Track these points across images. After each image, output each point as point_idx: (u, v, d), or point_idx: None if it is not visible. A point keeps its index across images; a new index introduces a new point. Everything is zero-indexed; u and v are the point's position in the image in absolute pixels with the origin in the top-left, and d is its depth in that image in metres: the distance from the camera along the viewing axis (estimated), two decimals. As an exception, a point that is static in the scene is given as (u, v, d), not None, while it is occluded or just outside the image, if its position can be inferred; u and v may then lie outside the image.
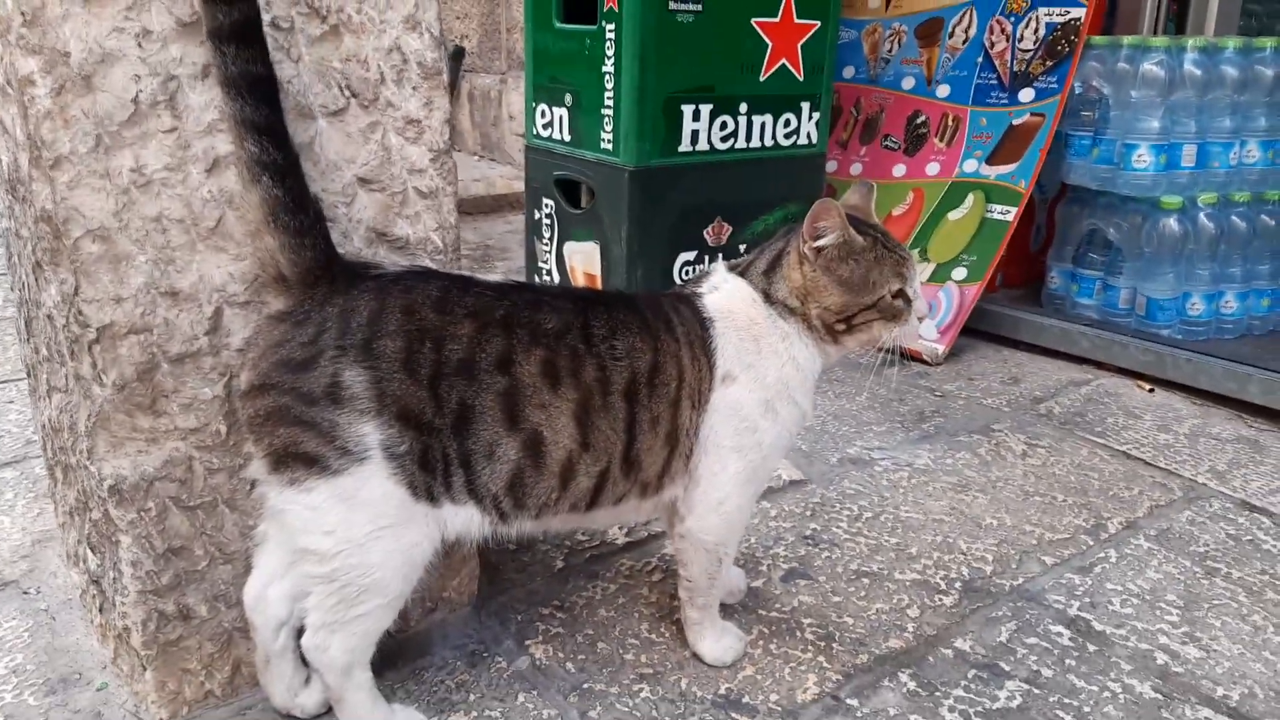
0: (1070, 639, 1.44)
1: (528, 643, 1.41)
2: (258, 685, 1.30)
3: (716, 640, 1.39)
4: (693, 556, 1.33)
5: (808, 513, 1.77)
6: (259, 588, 1.21)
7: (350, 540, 1.09)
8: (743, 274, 1.31)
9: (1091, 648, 1.42)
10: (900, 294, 1.26)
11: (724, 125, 2.44)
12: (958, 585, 1.56)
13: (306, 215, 1.09)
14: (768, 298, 1.28)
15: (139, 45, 1.06)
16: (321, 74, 1.19)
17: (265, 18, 1.12)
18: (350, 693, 1.18)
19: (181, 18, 1.08)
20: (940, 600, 1.52)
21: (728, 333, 1.26)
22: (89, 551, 1.35)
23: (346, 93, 1.21)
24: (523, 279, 2.90)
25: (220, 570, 1.26)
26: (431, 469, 1.10)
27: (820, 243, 1.23)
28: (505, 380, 1.11)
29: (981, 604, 1.52)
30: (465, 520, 1.15)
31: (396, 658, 1.35)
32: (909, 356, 2.55)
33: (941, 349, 2.51)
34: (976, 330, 2.66)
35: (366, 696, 1.19)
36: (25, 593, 1.52)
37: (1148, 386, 2.35)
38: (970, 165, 2.67)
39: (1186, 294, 2.44)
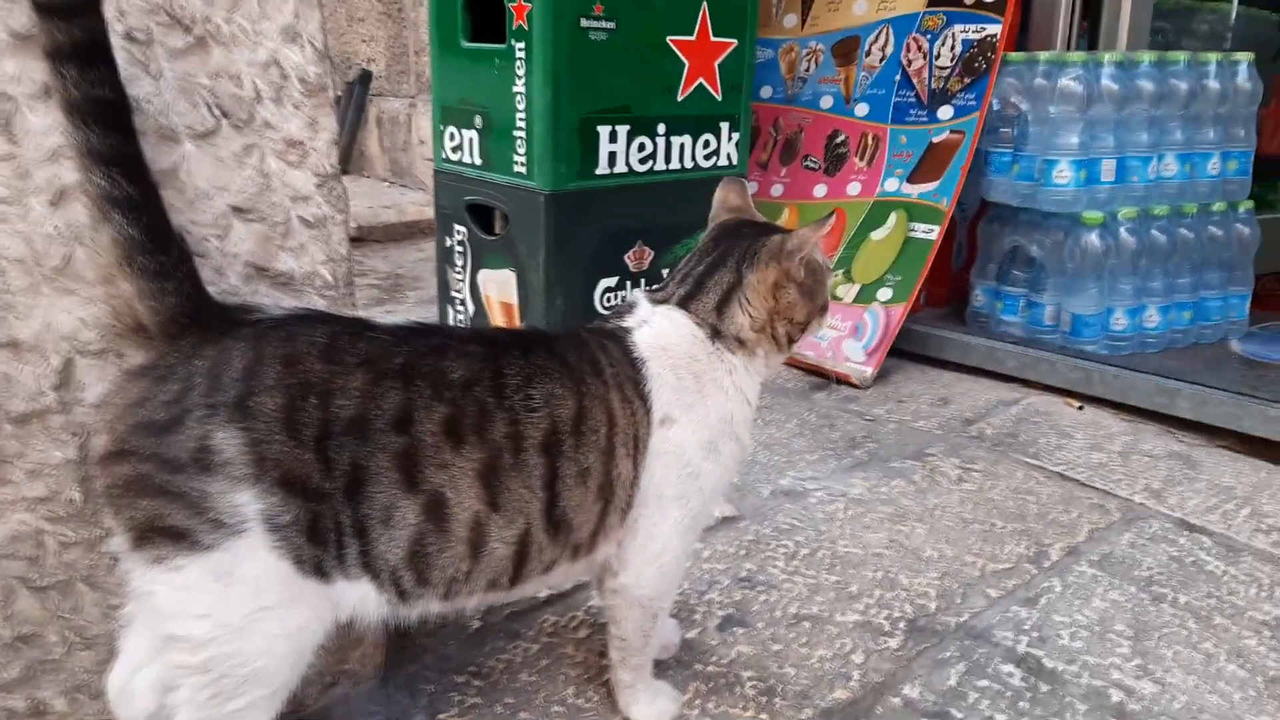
0: (1022, 679, 1.36)
1: (441, 716, 1.27)
2: (129, 786, 1.15)
3: (650, 703, 1.27)
4: (626, 613, 1.21)
5: (742, 552, 1.67)
6: (124, 677, 1.06)
7: (227, 625, 0.95)
8: (681, 306, 1.20)
9: (1044, 687, 1.34)
10: None
11: (642, 147, 2.35)
12: (902, 625, 1.48)
13: (168, 255, 0.95)
14: (716, 333, 1.18)
15: (-40, 58, 0.92)
16: (187, 92, 1.06)
17: (118, 29, 0.99)
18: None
19: (17, 29, 0.94)
20: (885, 643, 1.44)
21: (663, 372, 1.15)
22: (-73, 640, 1.18)
23: (216, 112, 1.08)
24: (435, 309, 2.77)
25: (80, 657, 1.10)
26: (322, 540, 0.96)
27: (816, 263, 1.19)
28: (403, 439, 0.98)
29: (928, 644, 1.43)
30: (360, 598, 1.01)
31: (292, 743, 1.20)
32: (837, 380, 2.48)
33: (870, 371, 2.44)
34: (902, 351, 2.61)
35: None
36: None
37: (1077, 404, 2.32)
38: (892, 184, 2.63)
39: (1110, 309, 2.43)
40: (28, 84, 0.96)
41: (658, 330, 1.18)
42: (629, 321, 1.20)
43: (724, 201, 1.33)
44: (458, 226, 2.54)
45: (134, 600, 1.01)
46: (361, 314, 1.14)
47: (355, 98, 5.04)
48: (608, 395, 1.11)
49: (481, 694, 1.31)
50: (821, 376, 2.52)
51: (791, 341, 1.24)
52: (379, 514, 0.98)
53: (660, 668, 1.36)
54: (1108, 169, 2.38)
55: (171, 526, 0.91)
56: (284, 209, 1.14)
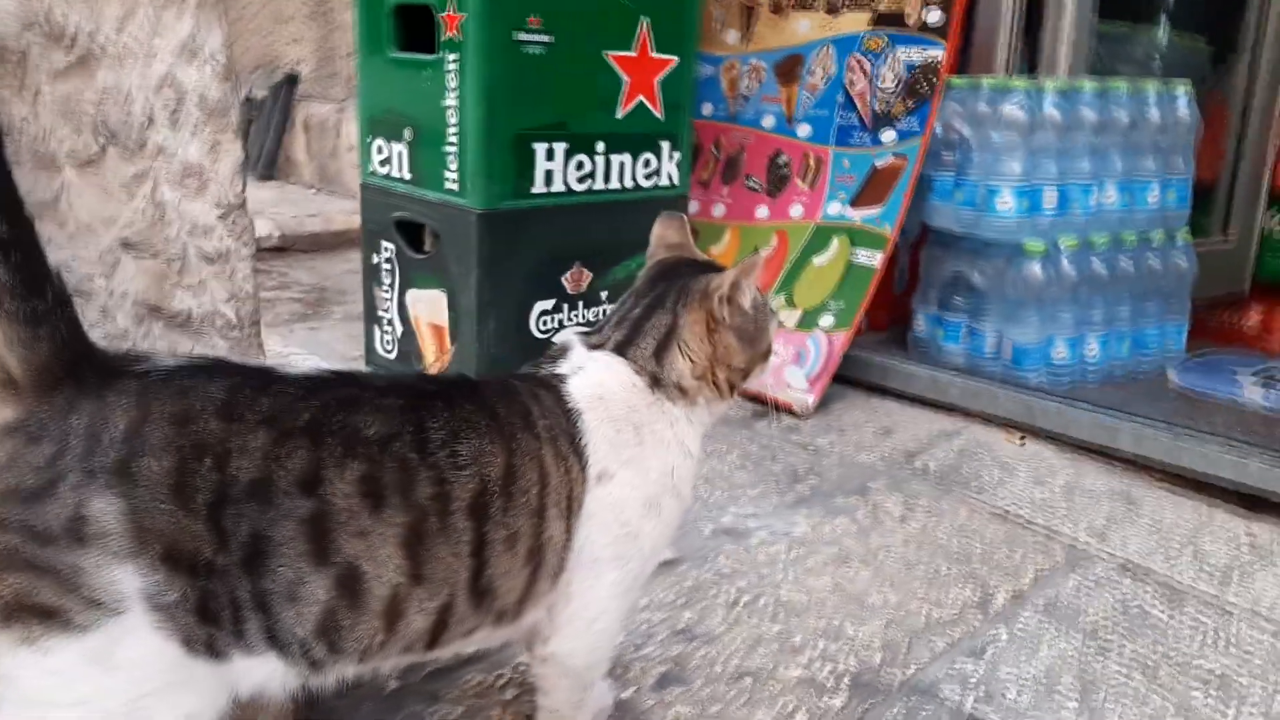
0: (969, 741, 1.31)
1: (354, 793, 1.17)
2: None
3: None
4: (557, 683, 1.13)
5: (681, 600, 1.59)
6: None
7: (107, 713, 0.84)
8: (618, 353, 1.12)
9: (992, 750, 1.29)
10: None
11: (580, 165, 2.26)
12: (846, 681, 1.41)
13: (42, 299, 0.83)
14: (656, 381, 1.11)
15: None
16: (68, 114, 0.94)
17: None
18: None
19: None
20: (829, 702, 1.37)
21: (600, 425, 1.06)
22: None
23: (102, 137, 0.96)
24: (361, 325, 2.64)
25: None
26: (214, 618, 0.86)
27: (743, 306, 1.12)
28: (310, 503, 0.88)
29: (873, 703, 1.37)
30: (266, 674, 0.91)
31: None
32: (779, 409, 2.42)
33: (811, 400, 2.39)
34: (844, 377, 2.56)
35: None
36: None
37: (1019, 437, 2.30)
38: (834, 208, 2.59)
39: (1050, 339, 2.41)
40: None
41: (594, 379, 1.10)
42: (562, 368, 1.11)
43: (662, 239, 1.26)
44: (385, 243, 2.43)
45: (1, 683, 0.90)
46: (268, 358, 1.04)
47: (281, 101, 4.86)
48: (540, 451, 1.02)
49: (399, 767, 1.21)
50: (763, 404, 2.46)
51: (733, 388, 1.17)
52: (284, 588, 0.88)
53: (593, 733, 1.27)
54: (1050, 198, 2.36)
55: (41, 604, 0.80)
56: (181, 243, 1.03)
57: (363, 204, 2.50)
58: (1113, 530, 1.90)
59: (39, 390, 0.83)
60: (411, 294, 2.38)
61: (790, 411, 2.41)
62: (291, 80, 4.84)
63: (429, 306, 2.34)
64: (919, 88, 2.47)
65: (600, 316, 1.12)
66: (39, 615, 0.81)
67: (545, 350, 1.17)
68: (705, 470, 2.07)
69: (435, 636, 0.98)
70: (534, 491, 1.00)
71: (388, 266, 2.43)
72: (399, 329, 2.44)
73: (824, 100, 2.65)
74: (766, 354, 1.18)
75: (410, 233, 2.37)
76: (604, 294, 2.40)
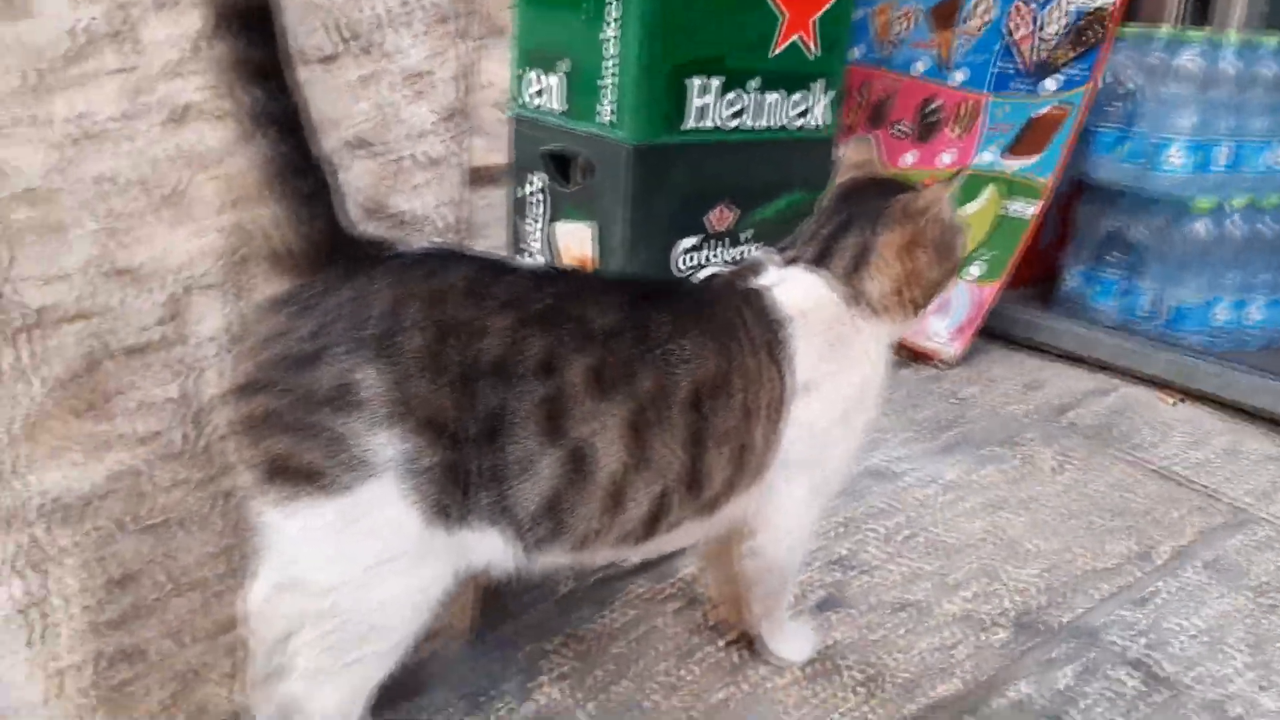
0: (1137, 685, 1.29)
1: (536, 682, 1.22)
2: (221, 736, 1.11)
3: (793, 640, 1.29)
4: (760, 573, 1.20)
5: (835, 532, 1.60)
6: (261, 597, 1.01)
7: (352, 573, 0.90)
8: (815, 268, 1.13)
9: (1161, 695, 1.27)
10: None
11: (732, 102, 2.25)
12: (1007, 620, 1.41)
13: (314, 179, 0.89)
14: (853, 297, 1.12)
15: (86, -39, 0.85)
16: (310, 10, 0.98)
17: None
18: (339, 753, 0.98)
19: (140, -69, 0.87)
20: (991, 638, 1.37)
21: (804, 337, 1.09)
22: (16, 577, 1.14)
23: (338, 36, 1.00)
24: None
25: (178, 602, 1.05)
26: (456, 489, 0.91)
27: (940, 223, 1.12)
28: (547, 386, 0.92)
29: (1035, 642, 1.36)
30: (491, 549, 0.96)
31: (385, 698, 1.15)
32: (922, 358, 2.39)
33: (956, 350, 2.35)
34: (985, 331, 2.51)
35: (359, 756, 1.00)
36: (-61, 614, 1.29)
37: (1173, 399, 2.22)
38: (987, 156, 2.52)
39: (1212, 301, 2.31)
40: (150, -9, 0.89)
41: (796, 293, 1.12)
42: (763, 282, 1.13)
43: (848, 159, 1.26)
44: (533, 176, 2.46)
45: (263, 532, 0.96)
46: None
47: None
48: (749, 357, 1.05)
49: (575, 661, 1.27)
50: (904, 353, 2.43)
51: (920, 306, 1.18)
52: (517, 463, 0.92)
53: (755, 645, 1.30)
54: (1221, 155, 2.26)
55: (305, 466, 0.86)
56: (402, 146, 1.07)
57: (513, 136, 2.53)
58: (1277, 495, 1.83)
59: (309, 266, 0.89)
60: (559, 226, 2.42)
61: (933, 361, 2.38)
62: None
63: (576, 239, 2.37)
64: (1086, 35, 2.37)
65: (742, 256, 1.13)
66: (300, 476, 0.87)
67: (737, 265, 1.19)
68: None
69: (650, 526, 1.02)
70: (742, 394, 1.04)
71: (535, 199, 2.47)
72: (545, 262, 2.48)
73: (982, 46, 2.58)
74: (954, 271, 1.18)
75: (559, 166, 2.41)
76: (744, 235, 2.39)
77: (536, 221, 2.49)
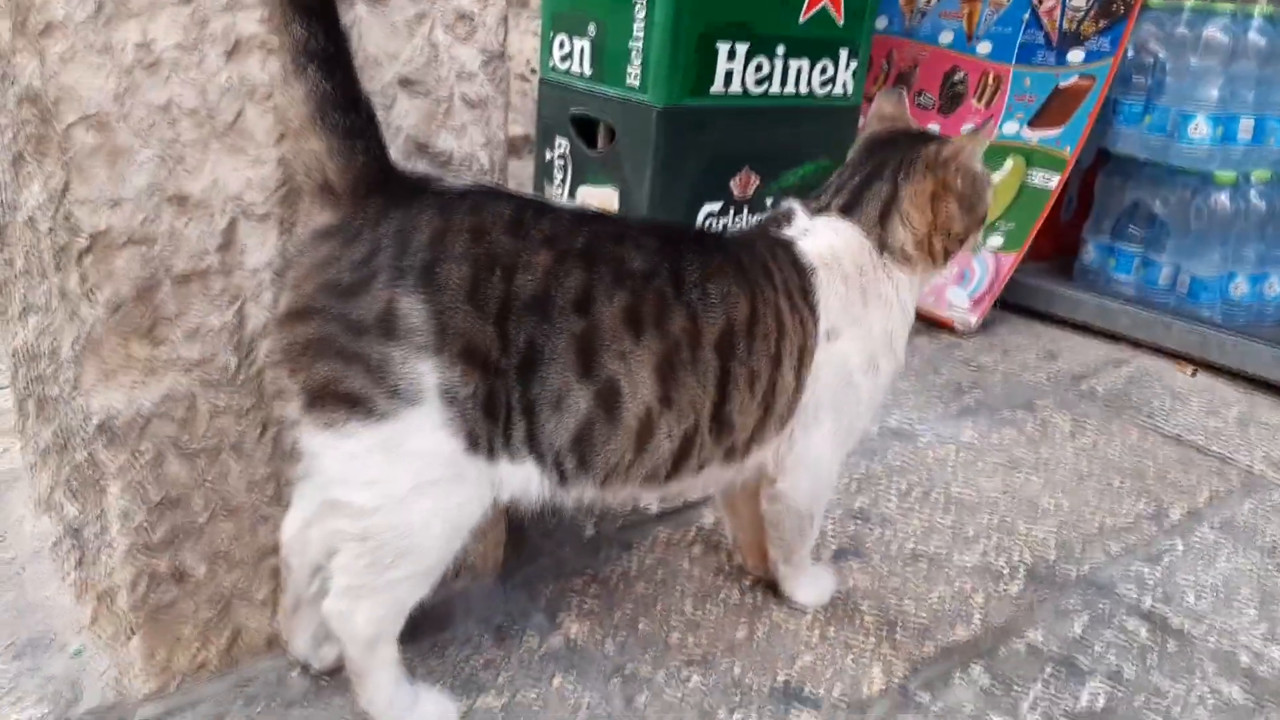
0: (1148, 635, 1.32)
1: (560, 618, 1.26)
2: (258, 656, 1.15)
3: (812, 586, 1.32)
4: (784, 518, 1.22)
5: (853, 486, 1.64)
6: (297, 527, 1.06)
7: (391, 496, 0.94)
8: (843, 216, 1.16)
9: (1172, 645, 1.30)
10: None
11: (759, 67, 2.27)
12: (1021, 572, 1.44)
13: (359, 114, 0.92)
14: (881, 247, 1.15)
15: (155, -109, 0.88)
16: (364, -52, 1.01)
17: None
18: (374, 669, 1.03)
19: None
20: (1005, 588, 1.40)
21: (832, 283, 1.12)
22: (67, 498, 1.18)
23: (392, -26, 1.03)
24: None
25: (221, 526, 1.09)
26: (493, 418, 0.94)
27: (970, 172, 1.14)
28: (582, 322, 0.95)
29: (1049, 593, 1.39)
30: (523, 480, 0.99)
31: (415, 629, 1.18)
32: (939, 325, 2.42)
33: (974, 319, 2.38)
34: (1004, 302, 2.53)
35: (390, 676, 1.04)
36: (-13, 541, 1.34)
37: (1190, 370, 2.24)
38: (1011, 127, 2.53)
39: (1231, 274, 2.33)
40: (213, -74, 0.92)
41: (825, 240, 1.14)
42: (792, 230, 1.15)
43: (879, 111, 1.28)
44: (560, 139, 2.49)
45: (305, 459, 1.00)
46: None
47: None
48: (778, 302, 1.08)
49: (599, 599, 1.30)
50: (922, 321, 2.45)
51: (948, 255, 1.20)
52: (551, 396, 0.96)
53: (777, 590, 1.33)
54: (1245, 128, 2.26)
55: (348, 392, 0.89)
56: (449, 85, 1.10)
57: (540, 99, 2.56)
58: (1293, 462, 1.85)
59: (354, 198, 0.92)
60: (583, 190, 2.44)
61: (951, 329, 2.40)
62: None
63: (600, 203, 2.39)
64: (1113, 7, 2.37)
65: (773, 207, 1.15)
66: (345, 401, 0.90)
67: (768, 214, 1.22)
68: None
69: (676, 464, 1.05)
70: (771, 338, 1.06)
71: (561, 162, 2.49)
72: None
73: (1008, 17, 2.58)
74: (981, 222, 1.20)
75: (585, 129, 2.43)
76: (768, 201, 2.42)
77: (561, 185, 2.51)
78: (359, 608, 0.99)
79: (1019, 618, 1.34)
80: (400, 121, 1.08)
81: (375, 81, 1.05)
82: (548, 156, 2.54)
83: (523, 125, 3.92)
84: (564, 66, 2.43)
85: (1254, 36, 2.23)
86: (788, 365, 1.09)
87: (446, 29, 1.08)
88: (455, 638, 1.22)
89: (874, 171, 1.18)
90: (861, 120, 2.69)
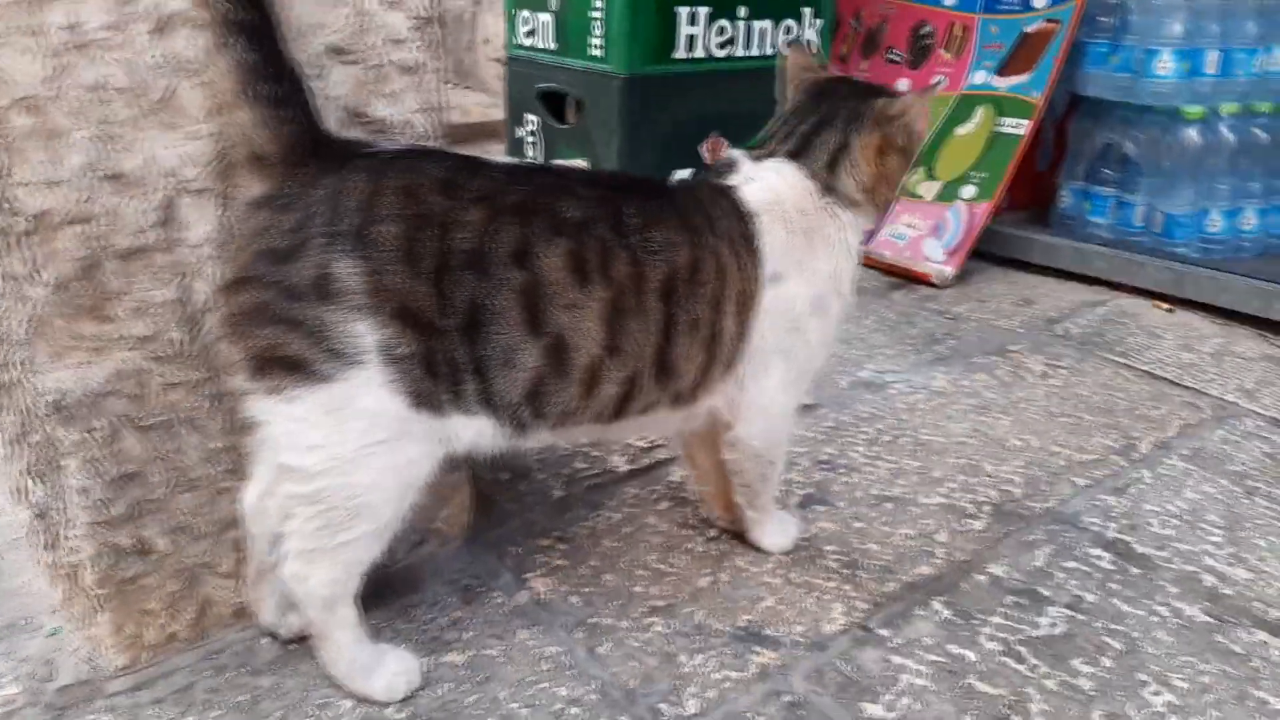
0: (1111, 562, 1.33)
1: (526, 576, 1.28)
2: (227, 626, 1.18)
3: (778, 532, 1.34)
4: (744, 464, 1.24)
5: (822, 437, 1.65)
6: (257, 495, 1.08)
7: (338, 457, 0.96)
8: (790, 160, 1.17)
9: (1134, 571, 1.32)
10: None
11: (722, 30, 2.27)
12: (987, 509, 1.45)
13: (287, 83, 0.94)
14: (827, 188, 1.16)
15: (64, -128, 0.89)
16: (285, -78, 1.02)
17: None
18: (334, 630, 1.05)
19: None
20: (969, 525, 1.42)
21: (774, 228, 1.13)
22: (33, 482, 1.20)
23: (313, -55, 1.04)
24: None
25: (181, 499, 1.12)
26: (437, 376, 0.96)
27: (916, 130, 1.17)
28: (523, 276, 0.97)
29: (1013, 528, 1.41)
30: (476, 432, 1.02)
31: (383, 594, 1.22)
32: (915, 279, 2.42)
33: (950, 271, 2.38)
34: (983, 253, 2.54)
35: (351, 635, 1.06)
36: (-33, 532, 1.37)
37: (1166, 306, 2.24)
38: (979, 77, 2.53)
39: (1205, 210, 2.32)
40: (129, -94, 0.93)
41: (767, 184, 1.16)
42: (733, 179, 1.17)
43: (795, 62, 1.28)
44: (529, 116, 2.50)
45: (257, 428, 1.02)
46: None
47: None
48: (720, 248, 1.09)
49: (566, 557, 1.32)
50: (898, 275, 2.46)
51: (887, 204, 1.23)
52: (500, 354, 0.98)
53: (742, 540, 1.35)
54: (1211, 60, 2.25)
55: (289, 356, 0.92)
56: (380, 52, 1.12)
57: (507, 77, 2.57)
58: (1263, 390, 1.86)
59: (286, 166, 0.94)
60: (555, 164, 2.46)
61: (927, 282, 2.41)
62: (426, -23, 4.92)
63: (572, 175, 2.41)
64: (1075, -52, 2.36)
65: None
66: (287, 366, 0.92)
67: (714, 165, 1.23)
68: (841, 332, 2.10)
69: (621, 406, 1.07)
70: (712, 284, 1.08)
71: (531, 139, 2.51)
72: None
73: (971, -34, 2.57)
74: (905, 175, 1.24)
75: (553, 104, 2.44)
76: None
77: (534, 159, 2.52)
78: (315, 569, 1.02)
79: (982, 553, 1.35)
80: (334, 90, 1.09)
81: (305, 51, 1.06)
82: (518, 133, 2.55)
83: (503, 109, 3.92)
84: (529, 42, 2.44)
85: (1215, -31, 2.22)
86: (729, 311, 1.10)
87: (373, -3, 1.09)
88: (423, 600, 1.24)
89: (824, 119, 1.19)
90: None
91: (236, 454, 1.13)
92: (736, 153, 1.22)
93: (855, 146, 1.16)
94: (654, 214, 1.07)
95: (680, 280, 1.06)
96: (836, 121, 1.18)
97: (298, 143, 0.94)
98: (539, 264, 0.98)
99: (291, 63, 0.95)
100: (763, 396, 1.19)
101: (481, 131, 4.21)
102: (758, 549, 1.34)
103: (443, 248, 0.95)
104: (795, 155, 1.18)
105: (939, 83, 1.17)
